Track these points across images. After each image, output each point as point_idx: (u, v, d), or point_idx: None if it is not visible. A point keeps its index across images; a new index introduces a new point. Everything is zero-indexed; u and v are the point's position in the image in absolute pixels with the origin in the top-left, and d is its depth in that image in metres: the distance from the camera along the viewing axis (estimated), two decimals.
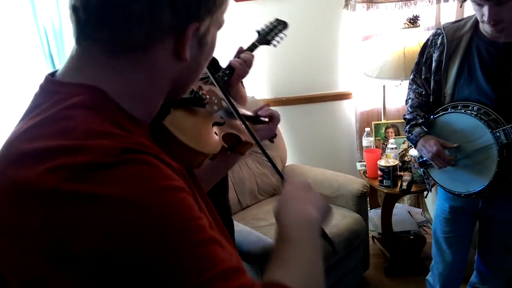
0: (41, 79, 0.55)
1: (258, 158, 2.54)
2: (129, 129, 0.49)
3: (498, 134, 1.36)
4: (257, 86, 2.68)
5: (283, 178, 0.76)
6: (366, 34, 2.62)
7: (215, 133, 0.67)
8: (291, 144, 2.78)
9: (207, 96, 0.68)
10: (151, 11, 0.47)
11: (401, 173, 2.35)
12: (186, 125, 0.60)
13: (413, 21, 2.39)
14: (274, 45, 1.31)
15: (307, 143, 2.86)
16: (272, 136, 0.98)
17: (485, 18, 1.31)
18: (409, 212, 2.69)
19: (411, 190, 2.26)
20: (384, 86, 2.56)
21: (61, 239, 0.40)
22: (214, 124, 0.68)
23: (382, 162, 2.29)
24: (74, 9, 0.49)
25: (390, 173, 2.26)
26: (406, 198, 2.87)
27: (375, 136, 2.61)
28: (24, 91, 2.46)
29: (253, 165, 2.52)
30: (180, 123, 0.59)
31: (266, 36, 1.29)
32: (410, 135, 1.58)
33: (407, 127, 1.60)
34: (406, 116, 1.62)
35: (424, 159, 1.60)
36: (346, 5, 2.54)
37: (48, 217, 0.41)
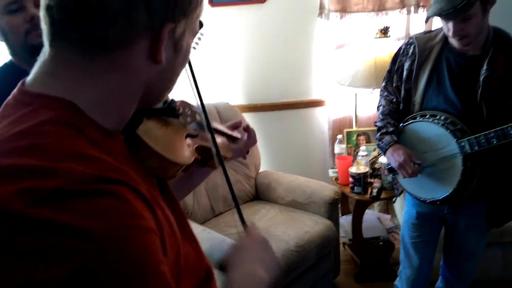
0: None
1: (232, 164, 2.53)
2: (103, 145, 0.48)
3: (463, 144, 1.41)
4: (232, 92, 2.68)
5: (245, 226, 0.76)
6: (339, 43, 2.67)
7: (188, 144, 0.67)
8: (265, 150, 2.79)
9: (181, 108, 0.68)
10: (127, 10, 0.47)
11: (372, 180, 2.40)
12: (159, 135, 0.60)
13: (384, 32, 2.45)
14: (193, 47, 1.27)
15: (281, 149, 2.88)
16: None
17: (450, 33, 1.38)
18: (378, 218, 2.75)
19: (381, 197, 2.31)
20: (356, 94, 2.61)
21: (22, 264, 0.39)
22: (188, 135, 0.68)
23: (353, 169, 2.33)
24: (48, 9, 0.48)
25: (361, 180, 2.31)
26: (375, 204, 2.93)
27: (347, 143, 2.65)
28: None
29: (227, 171, 2.51)
30: (153, 133, 0.58)
31: None
32: (380, 142, 1.62)
33: (378, 134, 1.64)
34: (377, 124, 1.66)
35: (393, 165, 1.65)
36: (321, 13, 2.58)
37: (9, 241, 0.40)
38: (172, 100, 0.67)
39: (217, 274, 0.70)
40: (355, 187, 2.33)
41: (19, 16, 1.03)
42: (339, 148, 2.60)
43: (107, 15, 0.46)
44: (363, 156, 2.46)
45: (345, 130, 2.67)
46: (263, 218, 2.31)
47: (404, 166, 1.51)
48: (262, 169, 2.67)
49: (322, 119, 2.84)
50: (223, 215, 2.40)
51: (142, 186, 0.48)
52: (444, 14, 1.32)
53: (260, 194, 2.58)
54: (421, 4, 2.55)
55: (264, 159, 2.75)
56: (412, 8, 2.54)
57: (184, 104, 0.70)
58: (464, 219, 1.61)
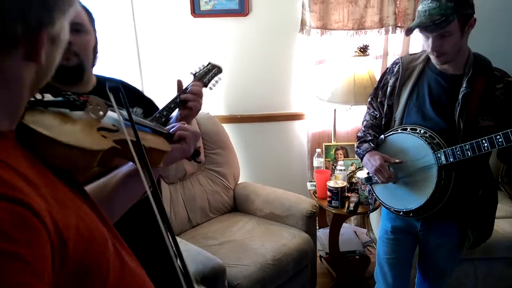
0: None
1: (210, 174, 2.53)
2: None
3: (439, 155, 1.47)
4: (212, 103, 2.68)
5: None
6: (320, 59, 2.72)
7: (103, 136, 0.65)
8: (244, 162, 2.79)
9: (88, 102, 0.66)
10: (2, 24, 0.46)
11: (349, 194, 2.43)
12: (53, 123, 0.57)
13: (363, 50, 2.51)
14: (210, 88, 1.30)
15: (260, 161, 2.89)
16: (193, 156, 0.94)
17: (429, 49, 1.45)
18: (355, 232, 2.78)
19: (358, 211, 2.34)
20: (335, 110, 2.66)
21: None
22: (102, 129, 0.66)
23: (331, 183, 2.36)
24: None
25: (338, 194, 2.33)
26: (352, 218, 2.97)
27: (325, 157, 2.68)
28: None
29: (205, 182, 2.50)
30: (44, 121, 0.56)
31: (202, 79, 1.28)
32: (358, 149, 1.69)
33: (357, 143, 1.71)
34: (358, 134, 1.75)
35: (370, 175, 1.70)
36: (302, 29, 2.63)
37: None
38: (70, 93, 0.65)
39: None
40: (333, 201, 2.35)
41: None
42: (317, 161, 2.63)
43: None
44: (341, 170, 2.49)
45: (324, 144, 2.71)
46: (241, 230, 2.30)
47: (380, 170, 1.56)
48: (241, 180, 2.67)
49: (302, 132, 2.87)
50: (200, 227, 2.37)
51: (38, 189, 0.45)
52: (424, 27, 1.40)
53: (239, 205, 2.57)
54: (398, 24, 2.63)
55: (244, 170, 2.75)
56: (390, 28, 2.62)
57: (94, 99, 0.68)
58: (435, 237, 1.64)
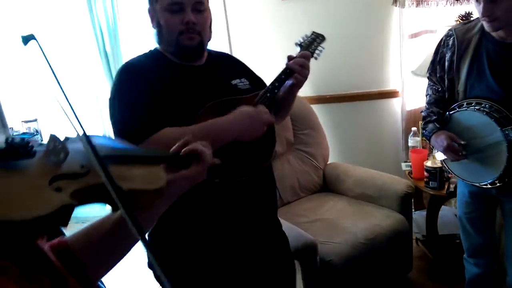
0: (96, 77, 0.53)
1: (300, 155, 2.56)
2: None
3: (507, 132, 1.44)
4: None
5: None
6: (414, 31, 2.55)
7: (58, 188, 0.49)
8: (334, 142, 2.77)
9: (42, 145, 0.52)
10: None
11: (449, 175, 2.27)
12: None
13: (466, 18, 2.30)
14: (315, 58, 1.31)
15: (350, 141, 2.84)
16: (212, 176, 0.76)
17: (480, 15, 1.40)
18: (455, 215, 2.60)
19: None
20: None
21: None
22: (58, 177, 0.51)
23: (428, 163, 2.23)
24: None
25: (437, 175, 2.20)
26: (453, 200, 2.77)
27: (422, 136, 2.54)
28: (80, 88, 2.62)
29: (295, 162, 2.54)
30: None
31: (308, 48, 1.30)
32: (424, 131, 1.69)
33: (423, 123, 1.72)
34: (423, 114, 1.73)
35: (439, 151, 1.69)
36: (395, 1, 2.49)
37: None
38: (14, 138, 0.50)
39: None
40: (431, 182, 2.23)
41: (177, 16, 1.12)
42: (413, 141, 2.50)
43: None
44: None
45: (420, 122, 2.55)
46: (331, 209, 2.30)
47: (448, 149, 1.56)
48: (331, 160, 2.66)
49: (395, 110, 2.74)
50: (291, 205, 2.43)
51: None
52: None
53: (328, 185, 2.57)
54: None
55: (333, 151, 2.73)
56: None
57: (53, 139, 0.53)
58: (510, 201, 1.61)
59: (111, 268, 0.69)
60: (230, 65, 1.32)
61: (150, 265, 1.21)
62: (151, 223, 0.72)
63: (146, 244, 0.48)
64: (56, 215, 0.45)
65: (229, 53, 1.39)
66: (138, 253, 0.76)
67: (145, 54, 1.23)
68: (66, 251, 0.65)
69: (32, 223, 0.43)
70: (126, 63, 1.19)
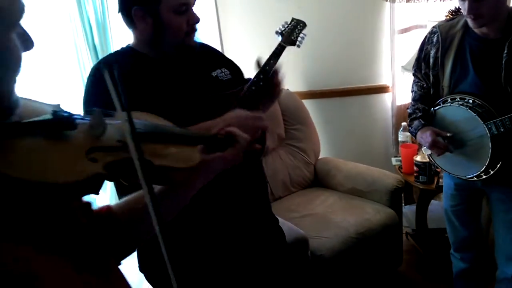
0: (84, 70, 0.52)
1: (290, 150, 2.56)
2: None
3: (489, 126, 1.47)
4: (291, 78, 2.69)
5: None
6: (404, 27, 2.56)
7: (93, 159, 0.53)
8: (325, 137, 2.77)
9: (80, 119, 0.56)
10: None
11: (438, 170, 2.29)
12: (19, 157, 0.47)
13: (455, 14, 2.31)
14: (298, 46, 1.27)
15: (341, 136, 2.85)
16: (251, 156, 0.77)
17: (465, 12, 1.41)
18: None
19: None
20: None
21: None
22: (95, 149, 0.54)
23: (418, 158, 2.25)
24: None
25: (426, 169, 2.22)
26: (442, 195, 2.80)
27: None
28: (67, 82, 2.58)
29: (286, 157, 2.54)
30: (9, 156, 0.46)
31: (290, 36, 1.25)
32: (410, 128, 1.72)
33: (409, 120, 1.73)
34: (409, 111, 1.75)
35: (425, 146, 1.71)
36: None
37: None
38: (61, 110, 0.54)
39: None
40: (420, 176, 2.25)
41: (183, 17, 1.08)
42: (403, 136, 2.52)
43: None
44: None
45: None
46: (322, 204, 2.31)
47: (433, 144, 1.59)
48: (322, 155, 2.67)
49: (386, 105, 2.75)
50: (282, 200, 2.43)
51: None
52: None
53: (319, 180, 2.58)
54: None
55: (324, 146, 2.74)
56: None
57: (96, 114, 0.57)
58: (496, 193, 1.65)
59: (143, 240, 0.73)
60: (209, 56, 1.28)
61: (142, 269, 1.20)
62: (185, 200, 0.75)
63: (160, 219, 0.52)
64: (88, 182, 0.50)
65: (220, 50, 1.35)
66: (129, 258, 0.76)
67: (116, 52, 1.17)
68: (109, 216, 0.69)
69: (66, 187, 0.49)
70: (98, 62, 1.14)
